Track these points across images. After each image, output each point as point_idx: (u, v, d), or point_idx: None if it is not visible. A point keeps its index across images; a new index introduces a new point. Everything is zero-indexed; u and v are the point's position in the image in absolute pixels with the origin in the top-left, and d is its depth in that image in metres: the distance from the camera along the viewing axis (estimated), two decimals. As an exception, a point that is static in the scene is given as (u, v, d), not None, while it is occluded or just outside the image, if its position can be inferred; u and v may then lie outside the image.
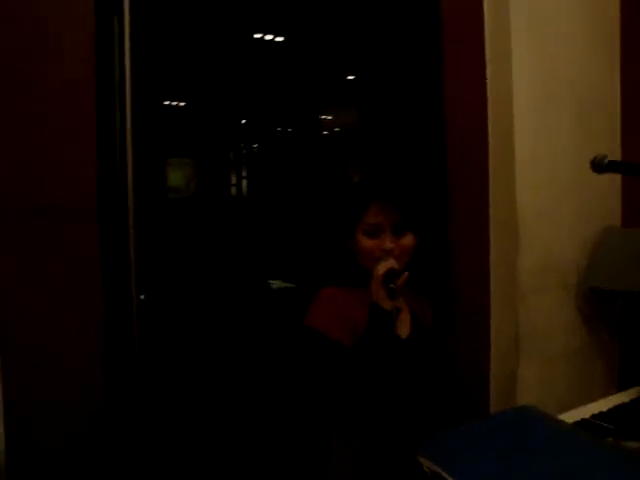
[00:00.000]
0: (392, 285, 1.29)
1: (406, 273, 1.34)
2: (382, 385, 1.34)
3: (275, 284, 5.13)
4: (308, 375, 1.37)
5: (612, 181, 2.27)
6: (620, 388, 1.82)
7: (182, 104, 7.66)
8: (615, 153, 2.28)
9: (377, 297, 1.31)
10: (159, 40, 5.19)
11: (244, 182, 7.59)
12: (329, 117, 7.78)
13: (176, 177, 9.35)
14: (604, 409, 1.42)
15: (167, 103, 7.61)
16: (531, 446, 1.02)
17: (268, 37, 5.85)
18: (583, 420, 1.35)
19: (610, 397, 1.54)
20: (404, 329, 1.46)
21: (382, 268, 1.32)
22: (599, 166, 1.50)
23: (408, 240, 1.42)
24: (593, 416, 1.37)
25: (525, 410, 1.15)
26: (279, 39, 5.86)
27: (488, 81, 2.06)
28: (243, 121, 7.68)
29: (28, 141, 1.44)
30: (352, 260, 1.45)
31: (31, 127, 1.44)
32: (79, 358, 1.50)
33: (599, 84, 2.26)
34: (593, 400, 1.48)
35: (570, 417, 1.38)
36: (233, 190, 7.50)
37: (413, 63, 2.24)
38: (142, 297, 1.78)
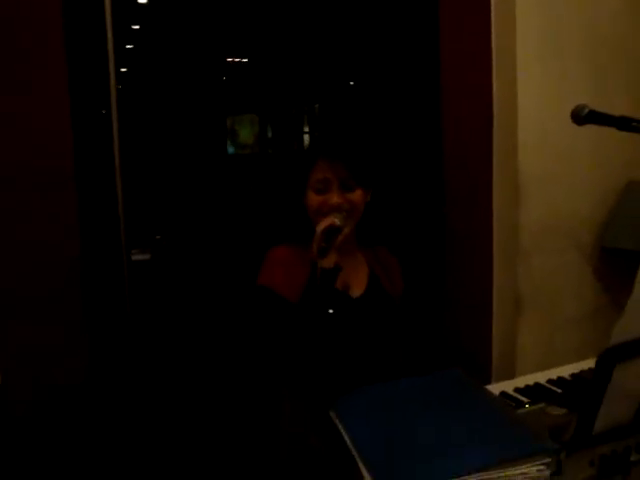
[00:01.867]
0: (324, 244, 1.27)
1: (346, 230, 1.32)
2: (328, 341, 1.35)
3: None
4: (257, 331, 1.39)
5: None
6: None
7: (245, 60, 7.70)
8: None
9: (315, 255, 1.30)
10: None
11: (305, 137, 7.61)
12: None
13: (245, 134, 9.52)
14: (567, 373, 1.36)
15: (230, 60, 7.68)
16: (434, 412, 1.00)
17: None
18: (536, 384, 1.31)
19: (587, 361, 1.47)
20: (357, 288, 1.45)
21: (322, 225, 1.30)
22: (578, 117, 1.40)
23: (357, 196, 1.40)
24: (549, 380, 1.32)
25: (450, 375, 1.13)
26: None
27: (493, 29, 1.94)
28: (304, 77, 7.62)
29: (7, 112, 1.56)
30: (305, 217, 1.44)
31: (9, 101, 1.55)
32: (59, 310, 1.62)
33: (620, 33, 2.04)
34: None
35: (527, 380, 1.34)
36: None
37: (408, 22, 2.14)
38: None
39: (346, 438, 0.97)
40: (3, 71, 1.53)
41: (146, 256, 4.41)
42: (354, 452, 0.93)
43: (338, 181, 1.38)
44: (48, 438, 1.69)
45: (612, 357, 0.81)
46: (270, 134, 8.75)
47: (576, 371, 1.38)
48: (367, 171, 1.42)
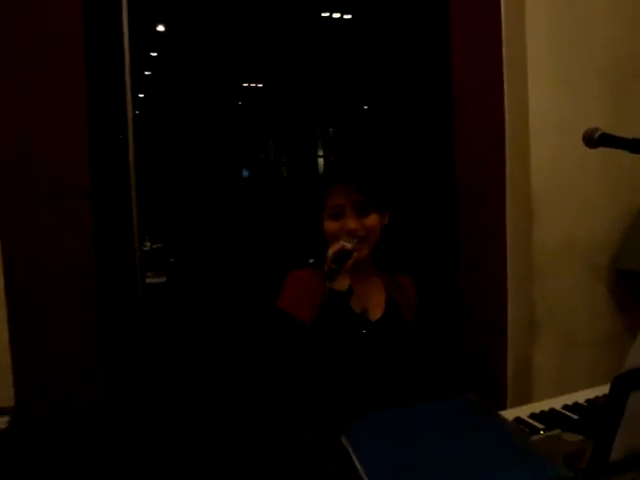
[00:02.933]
0: (334, 266, 1.27)
1: (355, 254, 1.33)
2: (348, 363, 1.35)
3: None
4: (271, 353, 1.40)
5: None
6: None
7: (260, 85, 7.82)
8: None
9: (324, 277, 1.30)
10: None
11: (320, 160, 7.67)
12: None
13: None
14: (583, 399, 1.34)
15: (246, 85, 7.80)
16: (447, 439, 0.99)
17: (336, 15, 5.82)
18: (551, 410, 1.28)
19: (604, 386, 1.44)
20: (375, 312, 1.46)
21: (333, 248, 1.31)
22: (590, 140, 1.40)
23: (372, 220, 1.42)
24: (565, 406, 1.30)
25: (464, 401, 1.11)
26: (347, 17, 5.82)
27: (504, 48, 1.96)
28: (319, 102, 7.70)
29: (28, 134, 1.60)
30: (323, 243, 1.45)
31: (30, 123, 1.59)
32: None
33: (638, 49, 2.04)
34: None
35: (543, 405, 1.32)
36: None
37: (418, 46, 2.16)
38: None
39: (357, 463, 0.96)
40: (27, 96, 1.58)
41: (161, 279, 4.44)
42: (365, 478, 0.91)
43: (352, 205, 1.40)
44: (62, 457, 1.69)
45: (627, 383, 0.80)
46: (285, 158, 8.82)
47: (592, 396, 1.35)
48: (381, 194, 1.44)
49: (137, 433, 1.89)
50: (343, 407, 1.36)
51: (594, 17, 1.96)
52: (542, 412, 1.27)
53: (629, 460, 0.85)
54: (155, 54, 6.09)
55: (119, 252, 1.83)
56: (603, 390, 1.36)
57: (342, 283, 1.31)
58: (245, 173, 8.23)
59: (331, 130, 7.88)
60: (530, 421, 1.23)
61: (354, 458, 0.99)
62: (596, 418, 1.15)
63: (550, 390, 1.90)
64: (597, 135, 1.37)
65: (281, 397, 1.50)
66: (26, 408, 1.63)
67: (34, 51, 1.59)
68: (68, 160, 1.63)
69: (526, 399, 1.95)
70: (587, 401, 1.32)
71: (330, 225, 1.42)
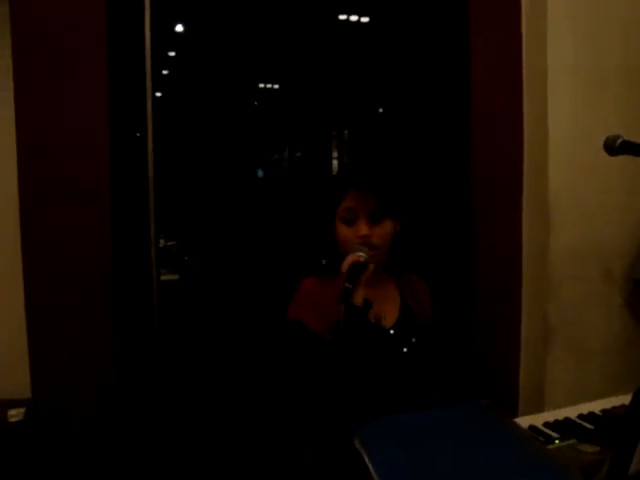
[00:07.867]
0: (348, 285, 1.22)
1: (371, 266, 1.30)
2: (363, 376, 1.33)
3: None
4: (289, 366, 1.36)
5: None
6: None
7: (276, 86, 7.84)
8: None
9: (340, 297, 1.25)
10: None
11: (334, 162, 7.68)
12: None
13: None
14: (598, 409, 1.32)
15: (262, 86, 7.83)
16: (462, 445, 0.98)
17: (353, 18, 5.82)
18: (566, 419, 1.27)
19: (619, 397, 1.42)
20: (389, 318, 1.42)
21: (346, 263, 1.27)
22: (611, 148, 1.39)
23: (386, 227, 1.38)
24: (580, 415, 1.29)
25: (478, 406, 1.11)
26: (364, 20, 5.82)
27: (524, 55, 1.95)
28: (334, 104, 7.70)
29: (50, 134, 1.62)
30: (335, 248, 1.42)
31: (52, 123, 1.61)
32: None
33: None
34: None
35: (557, 414, 1.30)
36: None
37: (437, 39, 2.15)
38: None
39: (370, 466, 0.96)
40: (50, 96, 1.60)
41: (175, 276, 4.49)
42: (378, 481, 0.91)
43: (367, 212, 1.36)
44: (76, 449, 1.70)
45: (647, 394, 0.79)
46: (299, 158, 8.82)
47: (607, 406, 1.34)
48: (396, 201, 1.41)
49: (150, 426, 1.90)
50: (358, 413, 1.33)
51: (613, 28, 1.95)
52: (556, 421, 1.26)
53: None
54: (173, 54, 6.12)
55: (135, 249, 1.85)
56: (619, 400, 1.34)
57: (357, 297, 1.26)
58: (260, 173, 8.25)
59: (346, 132, 7.88)
60: (544, 430, 1.22)
61: (367, 460, 0.99)
62: (614, 429, 1.14)
63: (563, 399, 1.89)
64: (618, 142, 1.36)
65: (294, 402, 1.48)
66: (42, 400, 1.65)
67: (58, 52, 1.61)
68: (89, 159, 1.65)
69: (538, 407, 1.94)
70: (602, 411, 1.31)
71: (342, 230, 1.38)
